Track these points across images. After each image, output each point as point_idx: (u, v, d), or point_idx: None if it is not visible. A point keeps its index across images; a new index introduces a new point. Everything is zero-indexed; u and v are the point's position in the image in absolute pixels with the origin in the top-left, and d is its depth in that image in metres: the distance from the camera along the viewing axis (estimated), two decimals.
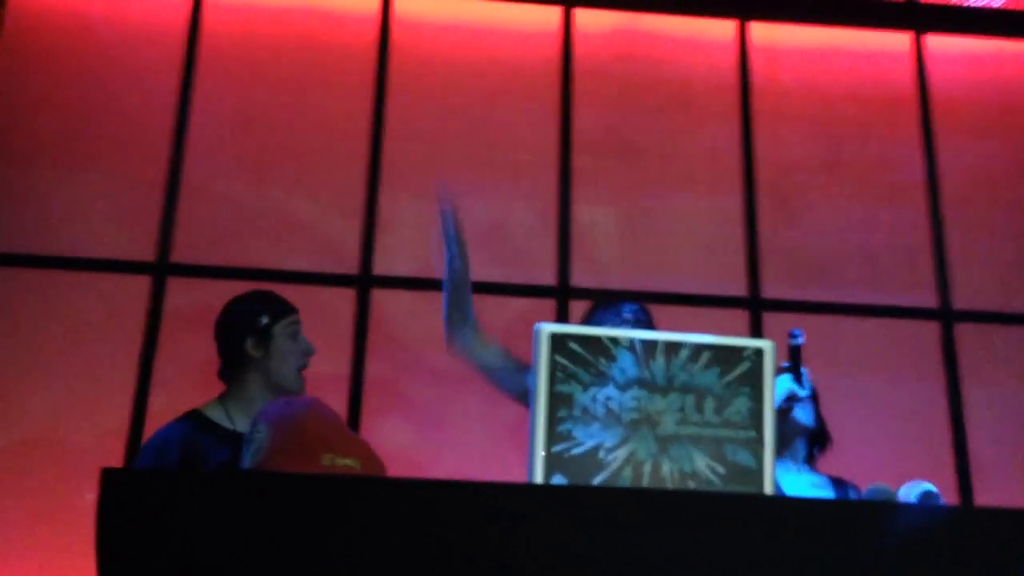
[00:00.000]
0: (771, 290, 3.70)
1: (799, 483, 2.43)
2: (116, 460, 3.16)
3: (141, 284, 3.49)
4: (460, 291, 2.61)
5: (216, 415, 2.31)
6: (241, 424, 2.26)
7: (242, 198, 3.64)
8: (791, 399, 2.44)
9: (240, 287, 3.47)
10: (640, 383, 1.54)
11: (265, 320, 2.44)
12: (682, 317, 3.51)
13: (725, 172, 3.84)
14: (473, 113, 3.82)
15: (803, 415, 2.47)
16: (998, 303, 3.76)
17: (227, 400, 2.35)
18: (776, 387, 2.39)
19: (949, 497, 3.33)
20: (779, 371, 2.48)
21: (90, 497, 2.94)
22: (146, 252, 3.53)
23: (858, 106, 3.97)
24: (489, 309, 3.60)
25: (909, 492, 1.86)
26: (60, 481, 3.21)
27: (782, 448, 2.50)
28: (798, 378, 2.44)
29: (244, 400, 2.32)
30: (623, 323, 2.51)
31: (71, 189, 3.59)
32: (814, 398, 2.54)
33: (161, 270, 3.51)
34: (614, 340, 1.55)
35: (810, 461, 2.51)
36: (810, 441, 2.51)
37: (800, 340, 2.43)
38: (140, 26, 3.77)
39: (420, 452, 3.39)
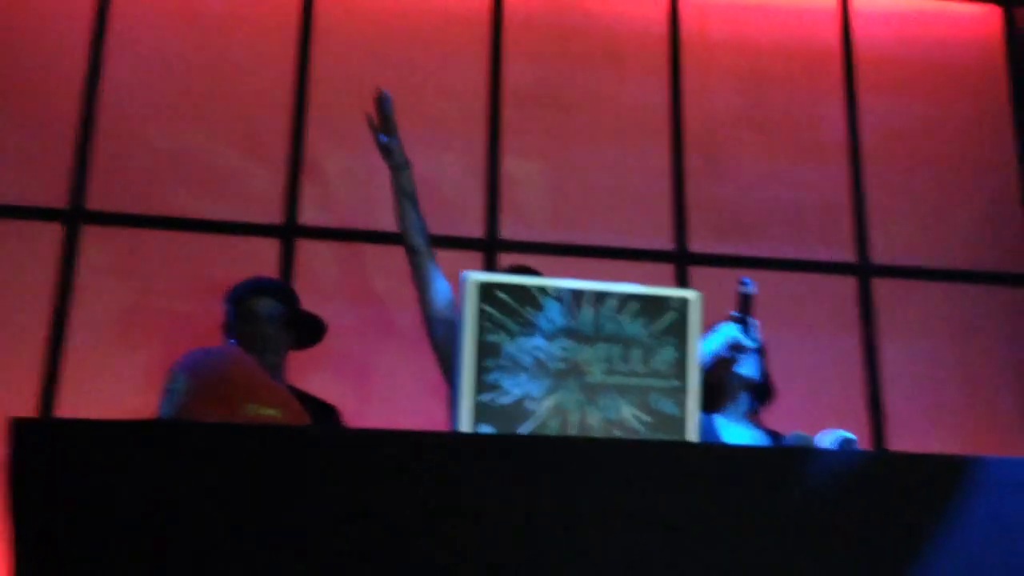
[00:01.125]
0: (697, 244, 3.74)
1: (740, 435, 2.42)
2: (29, 414, 3.07)
3: (53, 232, 3.37)
4: (417, 207, 2.65)
5: None
6: None
7: (160, 143, 3.53)
8: (735, 348, 2.38)
9: (159, 236, 3.40)
10: (568, 333, 1.54)
11: (229, 308, 2.64)
12: (609, 270, 3.53)
13: (653, 126, 3.85)
14: (401, 61, 3.75)
15: (747, 367, 2.41)
16: (916, 259, 3.86)
17: None
18: (722, 334, 2.38)
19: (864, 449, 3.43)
20: (729, 319, 2.42)
21: None
22: (59, 199, 3.41)
23: (785, 62, 4.01)
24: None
25: (824, 439, 1.90)
26: None
27: (725, 399, 2.46)
28: (746, 329, 2.38)
29: None
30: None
31: None
32: (760, 351, 2.49)
33: (75, 217, 3.39)
34: (542, 290, 1.55)
35: (752, 414, 2.51)
36: (753, 394, 2.49)
37: (750, 289, 2.37)
38: None
39: (346, 405, 3.36)
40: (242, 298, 2.61)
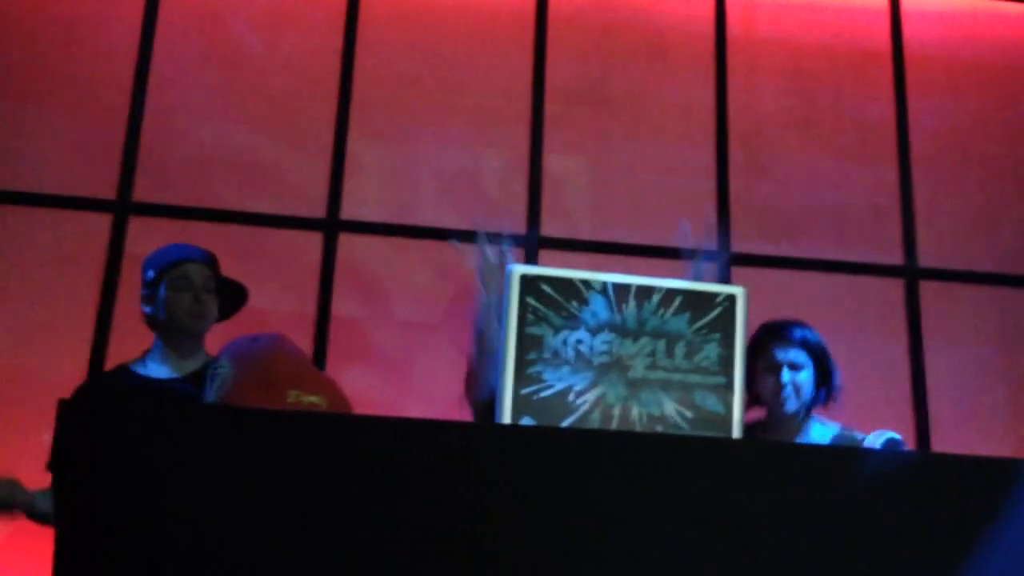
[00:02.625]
0: (741, 244, 3.70)
1: (822, 434, 2.48)
2: None
3: (102, 222, 3.42)
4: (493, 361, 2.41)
5: (136, 366, 2.41)
6: (154, 374, 2.37)
7: (207, 138, 3.57)
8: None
9: (203, 228, 3.43)
10: (611, 327, 1.53)
11: (149, 276, 2.45)
12: (653, 269, 3.50)
13: (698, 124, 3.81)
14: (446, 57, 3.76)
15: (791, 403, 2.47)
16: (963, 262, 3.79)
17: (146, 353, 2.45)
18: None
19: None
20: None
21: (47, 438, 2.90)
22: (108, 190, 3.46)
23: (832, 62, 3.96)
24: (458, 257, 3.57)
25: (875, 440, 1.88)
26: (18, 419, 3.16)
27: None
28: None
29: (151, 351, 2.43)
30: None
31: (31, 124, 3.49)
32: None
33: (123, 208, 3.44)
34: (586, 283, 1.54)
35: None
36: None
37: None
38: None
39: (384, 399, 3.38)
40: (172, 264, 2.43)
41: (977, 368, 3.68)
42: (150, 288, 2.42)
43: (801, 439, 2.43)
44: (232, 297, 2.53)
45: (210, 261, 2.49)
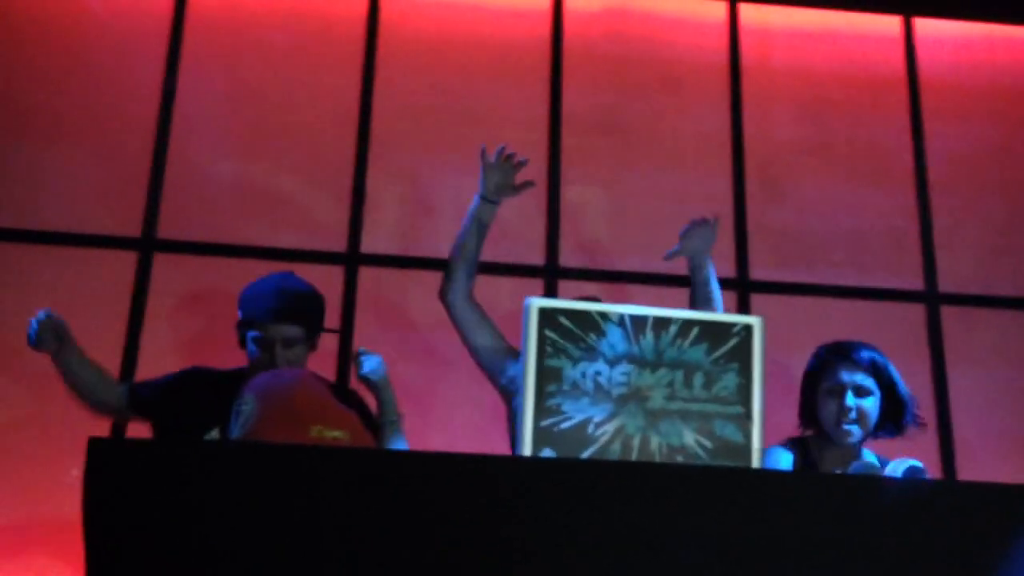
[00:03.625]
0: (759, 271, 3.71)
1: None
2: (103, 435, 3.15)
3: (127, 260, 3.46)
4: (479, 238, 2.63)
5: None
6: None
7: (229, 175, 3.62)
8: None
9: (227, 264, 3.47)
10: (629, 358, 1.55)
11: (240, 316, 2.49)
12: (671, 298, 3.51)
13: (714, 153, 3.84)
14: (462, 91, 3.80)
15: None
16: (983, 287, 3.78)
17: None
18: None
19: (934, 477, 3.35)
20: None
21: (75, 473, 2.93)
22: (132, 228, 3.51)
23: (847, 89, 3.97)
24: (476, 288, 3.59)
25: (896, 468, 1.87)
26: (46, 459, 3.20)
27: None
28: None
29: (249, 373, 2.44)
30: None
31: (57, 163, 3.56)
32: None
33: (148, 246, 3.49)
34: (604, 315, 1.55)
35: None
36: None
37: None
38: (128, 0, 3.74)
39: (407, 431, 3.39)
40: (259, 320, 2.42)
41: (1001, 392, 3.65)
42: (240, 329, 2.48)
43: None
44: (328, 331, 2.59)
45: (299, 316, 2.44)
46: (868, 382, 2.31)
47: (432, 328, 3.56)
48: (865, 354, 2.34)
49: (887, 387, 2.33)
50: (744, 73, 3.93)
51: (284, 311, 2.41)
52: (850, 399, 2.28)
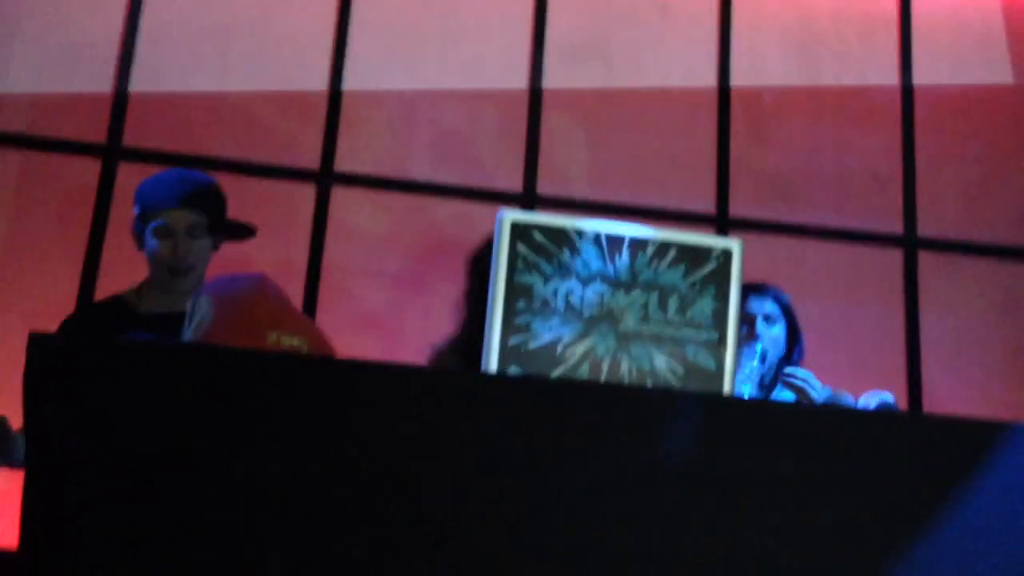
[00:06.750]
0: (739, 208, 3.66)
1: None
2: None
3: (91, 167, 3.36)
4: None
5: (130, 297, 2.31)
6: (147, 306, 2.26)
7: (199, 86, 3.50)
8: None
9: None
10: (603, 278, 1.49)
11: (136, 212, 2.29)
12: None
13: (699, 86, 3.76)
14: (445, 10, 3.69)
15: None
16: (963, 233, 3.76)
17: (142, 284, 2.33)
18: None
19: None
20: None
21: None
22: (98, 134, 3.40)
23: (838, 25, 3.89)
24: (453, 214, 3.53)
25: (868, 401, 1.86)
26: (6, 362, 3.13)
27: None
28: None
29: (148, 283, 2.30)
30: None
31: (22, 66, 3.43)
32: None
33: (112, 154, 3.39)
34: (579, 232, 1.50)
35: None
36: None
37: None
38: None
39: (374, 353, 3.35)
40: (156, 210, 2.22)
41: (973, 337, 3.66)
42: (137, 225, 2.28)
43: (773, 395, 2.41)
44: (238, 229, 2.36)
45: (202, 201, 2.26)
46: (775, 311, 2.45)
47: (402, 252, 3.50)
48: (770, 287, 2.49)
49: (790, 319, 2.47)
50: (734, 4, 3.83)
51: (187, 196, 2.22)
52: (760, 327, 2.40)
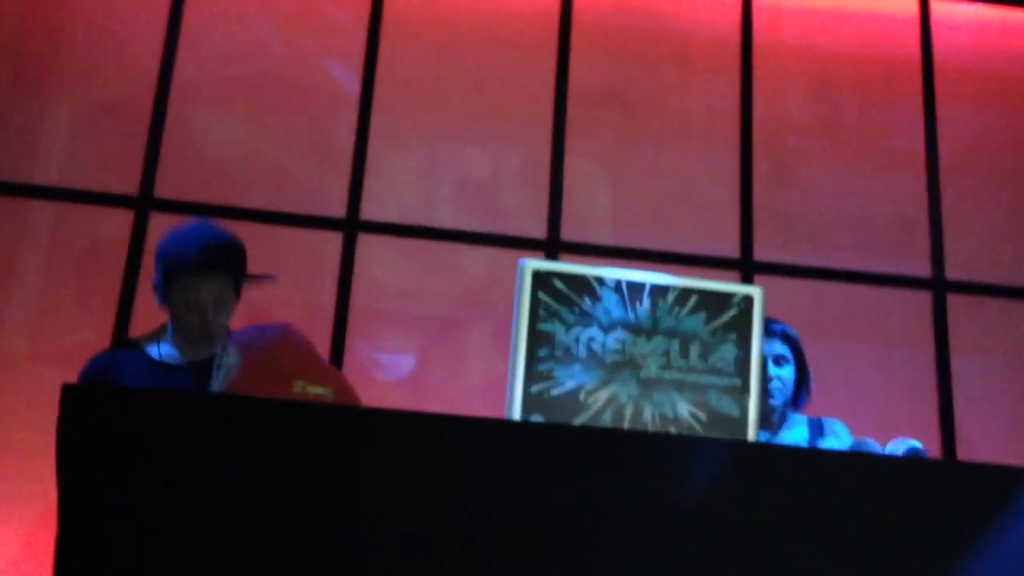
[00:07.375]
0: (763, 252, 3.66)
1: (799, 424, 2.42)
2: None
3: (124, 218, 3.43)
4: None
5: (150, 344, 2.29)
6: (168, 354, 2.24)
7: (230, 136, 3.57)
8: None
9: (225, 226, 3.43)
10: (625, 325, 1.50)
11: (157, 267, 2.25)
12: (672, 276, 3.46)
13: (722, 130, 3.78)
14: (468, 60, 3.75)
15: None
16: (990, 275, 3.73)
17: (162, 331, 2.31)
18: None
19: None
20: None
21: None
22: (130, 186, 3.47)
23: (860, 70, 3.91)
24: (477, 260, 3.56)
25: (896, 448, 1.84)
26: (34, 413, 3.17)
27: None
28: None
29: (170, 333, 2.28)
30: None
31: (56, 118, 3.52)
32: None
33: (144, 204, 3.45)
34: (600, 280, 1.51)
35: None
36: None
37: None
38: None
39: (402, 399, 3.36)
40: (182, 273, 2.16)
41: (1005, 381, 3.61)
42: (158, 281, 2.24)
43: (782, 434, 2.38)
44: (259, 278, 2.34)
45: (227, 262, 2.21)
46: (785, 351, 2.40)
47: (428, 298, 3.53)
48: (778, 326, 2.43)
49: (799, 358, 2.43)
50: (755, 50, 3.86)
51: (211, 258, 2.16)
52: (772, 369, 2.37)
